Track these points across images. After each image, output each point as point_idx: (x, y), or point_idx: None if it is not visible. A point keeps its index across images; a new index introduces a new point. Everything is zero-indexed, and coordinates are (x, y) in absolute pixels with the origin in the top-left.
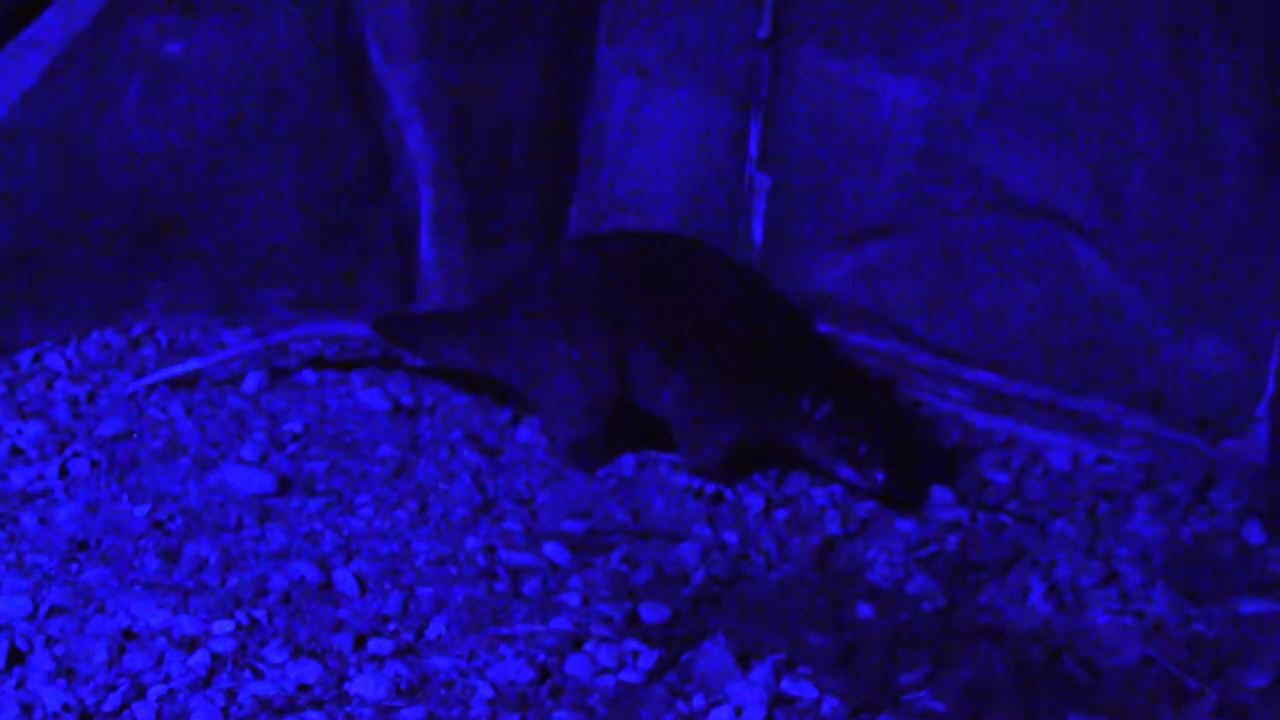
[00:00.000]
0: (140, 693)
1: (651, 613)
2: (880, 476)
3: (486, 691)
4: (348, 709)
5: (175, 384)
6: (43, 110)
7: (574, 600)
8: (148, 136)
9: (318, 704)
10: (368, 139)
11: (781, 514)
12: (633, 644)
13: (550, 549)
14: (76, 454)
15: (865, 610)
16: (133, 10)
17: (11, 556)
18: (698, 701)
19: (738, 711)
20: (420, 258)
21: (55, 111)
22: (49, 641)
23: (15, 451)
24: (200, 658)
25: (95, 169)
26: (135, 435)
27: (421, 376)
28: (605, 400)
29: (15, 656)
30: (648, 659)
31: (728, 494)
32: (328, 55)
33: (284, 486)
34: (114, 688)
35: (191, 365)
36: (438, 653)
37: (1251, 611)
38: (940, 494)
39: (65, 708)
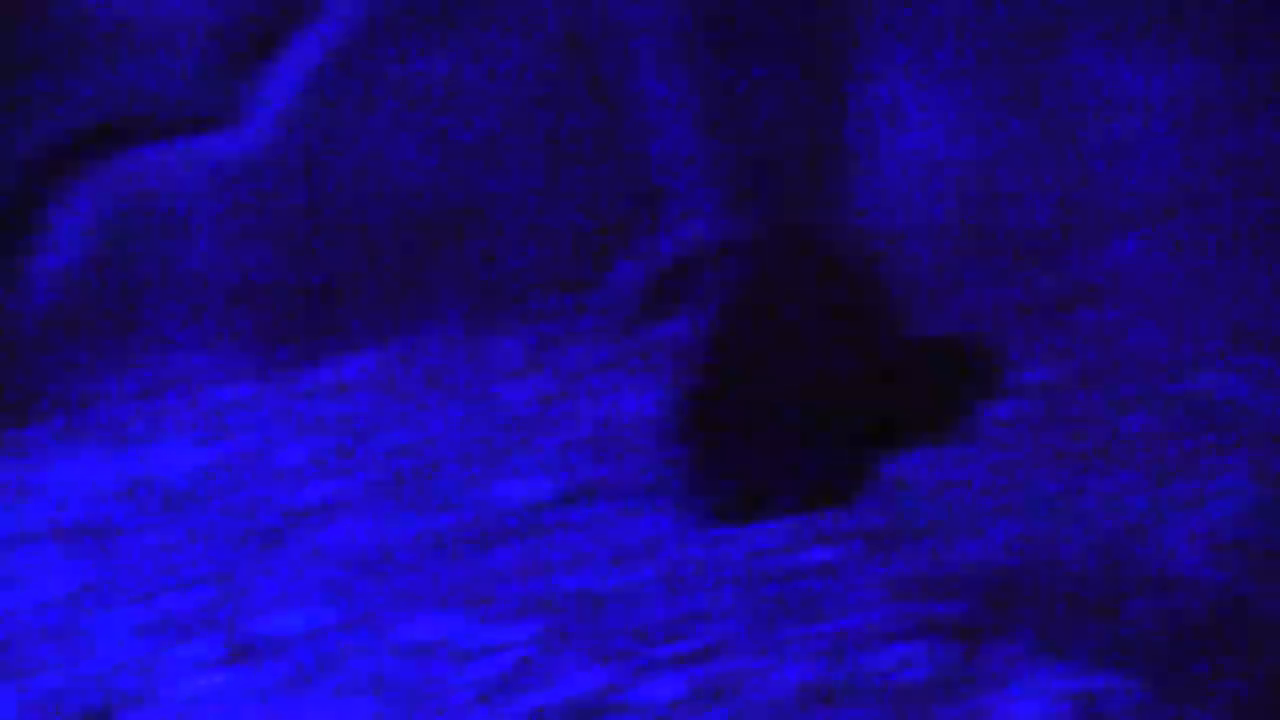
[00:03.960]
0: (440, 702)
1: (948, 607)
2: None
3: (783, 691)
4: (643, 714)
5: (454, 395)
6: (302, 131)
7: (870, 596)
8: (405, 153)
9: (613, 709)
10: (625, 145)
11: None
12: (930, 639)
13: (845, 545)
14: (368, 467)
15: (1165, 598)
16: (388, 28)
17: (310, 572)
18: (998, 696)
19: (1040, 705)
20: None
21: (314, 132)
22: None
23: (310, 466)
24: (497, 664)
25: (356, 189)
26: (423, 446)
27: None
28: None
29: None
30: (945, 654)
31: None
32: (583, 64)
33: (564, 496)
34: (411, 699)
35: None
36: (733, 653)
37: None
38: None
39: None
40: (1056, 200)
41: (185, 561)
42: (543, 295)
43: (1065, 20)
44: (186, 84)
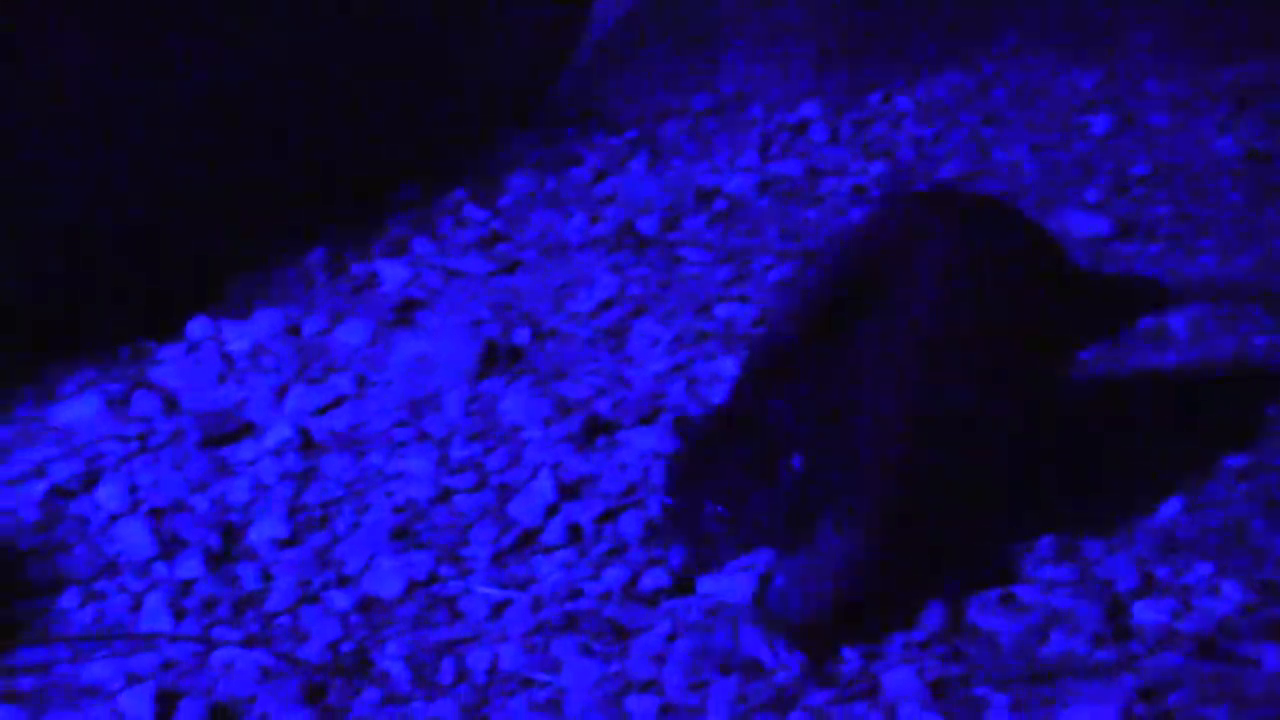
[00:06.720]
0: None
1: None
2: None
3: None
4: None
5: (1022, 127)
6: None
7: None
8: None
9: None
10: None
11: None
12: None
13: None
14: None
15: None
16: None
17: None
18: None
19: None
20: None
21: None
22: None
23: (858, 190)
24: None
25: None
26: (977, 177)
27: None
28: None
29: None
30: None
31: None
32: None
33: (1123, 230)
34: None
35: None
36: None
37: None
38: None
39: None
40: None
41: (729, 278)
42: (1138, 29)
43: None
44: None
